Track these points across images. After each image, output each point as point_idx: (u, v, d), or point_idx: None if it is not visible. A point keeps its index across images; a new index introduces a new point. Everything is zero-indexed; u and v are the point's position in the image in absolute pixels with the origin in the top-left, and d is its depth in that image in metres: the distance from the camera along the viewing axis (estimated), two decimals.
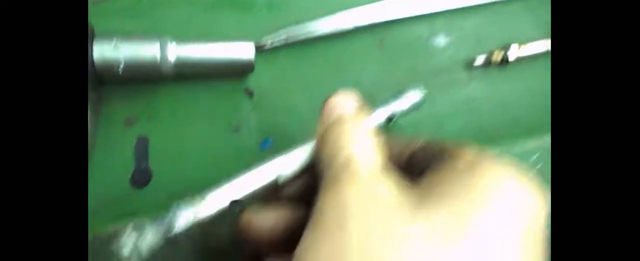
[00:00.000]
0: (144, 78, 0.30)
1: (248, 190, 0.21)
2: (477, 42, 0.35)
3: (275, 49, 0.33)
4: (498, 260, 0.16)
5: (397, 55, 0.34)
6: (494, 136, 0.33)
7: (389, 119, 0.25)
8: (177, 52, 0.29)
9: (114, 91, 0.31)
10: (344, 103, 0.22)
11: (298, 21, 0.33)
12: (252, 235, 0.22)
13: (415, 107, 0.26)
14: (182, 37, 0.31)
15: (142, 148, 0.31)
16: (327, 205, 0.18)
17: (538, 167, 0.32)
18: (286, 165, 0.22)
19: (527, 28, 0.35)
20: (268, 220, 0.22)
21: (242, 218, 0.22)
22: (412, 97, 0.26)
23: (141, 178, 0.30)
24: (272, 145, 0.32)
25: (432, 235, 0.16)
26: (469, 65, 0.34)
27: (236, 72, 0.31)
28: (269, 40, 0.32)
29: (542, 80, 0.34)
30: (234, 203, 0.21)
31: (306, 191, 0.22)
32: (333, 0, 0.34)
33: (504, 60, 0.34)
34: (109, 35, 0.28)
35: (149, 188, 0.30)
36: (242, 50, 0.30)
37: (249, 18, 0.33)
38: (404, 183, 0.18)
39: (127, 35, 0.29)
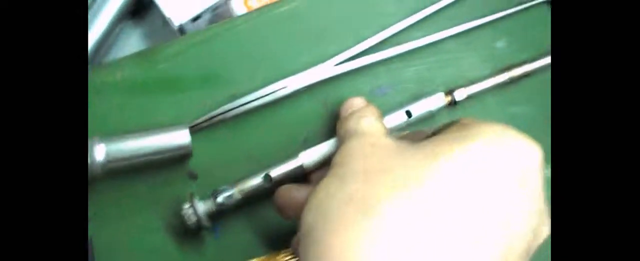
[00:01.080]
0: None
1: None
2: (421, 88, 0.34)
3: (214, 126, 0.32)
4: (482, 187, 0.18)
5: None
6: None
7: (408, 114, 0.32)
8: (107, 151, 0.28)
9: None
10: (357, 100, 0.29)
11: (234, 95, 0.32)
12: (286, 205, 0.27)
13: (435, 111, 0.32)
14: (115, 127, 0.30)
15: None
16: (337, 157, 0.22)
17: None
18: (311, 154, 0.29)
19: (471, 66, 0.34)
20: (299, 193, 0.26)
21: (279, 191, 0.27)
22: (435, 100, 0.32)
23: None
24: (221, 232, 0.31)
25: (424, 160, 0.18)
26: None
27: (175, 158, 0.30)
28: (205, 119, 0.31)
29: (491, 117, 0.34)
30: (266, 176, 0.29)
31: None
32: (267, 69, 0.32)
33: (452, 102, 0.33)
34: None
35: None
36: (177, 137, 0.29)
37: (183, 98, 0.32)
38: (405, 142, 0.21)
39: None
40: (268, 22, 0.33)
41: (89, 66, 0.38)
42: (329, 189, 0.20)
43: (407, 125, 0.32)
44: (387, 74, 0.34)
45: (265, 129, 0.32)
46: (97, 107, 0.31)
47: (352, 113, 0.26)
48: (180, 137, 0.29)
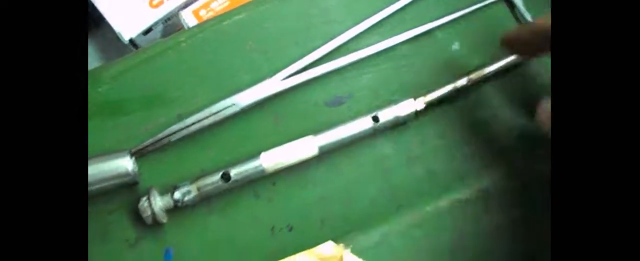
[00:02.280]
0: None
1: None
2: (376, 97, 0.33)
3: (161, 149, 0.30)
4: None
5: (295, 125, 0.32)
6: (409, 196, 0.31)
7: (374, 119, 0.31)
8: None
9: None
10: None
11: (180, 115, 0.31)
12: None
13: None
14: None
15: None
16: None
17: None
18: (273, 156, 0.30)
19: (427, 71, 0.33)
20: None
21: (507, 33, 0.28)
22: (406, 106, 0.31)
23: None
24: (175, 253, 0.30)
25: None
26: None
27: (117, 185, 0.29)
28: (150, 142, 0.30)
29: (454, 126, 0.33)
30: (224, 175, 0.29)
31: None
32: (213, 87, 0.31)
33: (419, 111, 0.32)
34: None
35: None
36: (119, 164, 0.28)
37: (127, 121, 0.31)
38: None
39: None
40: (212, 37, 0.32)
41: None
42: None
43: (374, 131, 0.31)
44: (342, 83, 0.33)
45: (216, 149, 0.31)
46: None
47: None
48: (122, 164, 0.28)
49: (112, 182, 0.28)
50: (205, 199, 0.29)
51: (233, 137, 0.31)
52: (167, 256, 0.30)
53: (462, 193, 0.31)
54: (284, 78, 0.31)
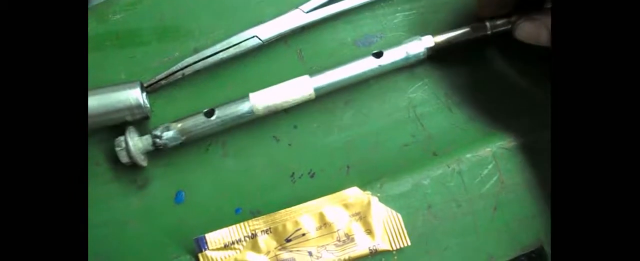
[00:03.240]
0: None
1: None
2: (412, 33, 0.29)
3: (176, 83, 0.28)
4: None
5: (320, 63, 0.29)
6: (446, 143, 0.28)
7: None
8: None
9: None
10: None
11: (196, 48, 0.28)
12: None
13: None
14: None
15: None
16: None
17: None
18: (262, 96, 0.27)
19: (466, 18, 0.30)
20: None
21: None
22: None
23: None
24: (186, 195, 0.28)
25: None
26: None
27: (127, 118, 0.27)
28: (164, 75, 0.28)
29: (493, 73, 0.29)
30: (209, 111, 0.26)
31: None
32: (232, 20, 0.29)
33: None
34: None
35: None
36: (128, 96, 0.26)
37: (140, 52, 0.28)
38: None
39: None
40: None
41: None
42: None
43: (381, 70, 0.28)
44: (373, 21, 0.30)
45: (233, 85, 0.28)
46: None
47: None
48: (132, 95, 0.26)
49: (121, 114, 0.26)
50: (191, 140, 0.27)
51: (252, 73, 0.29)
52: (178, 199, 0.28)
53: (506, 141, 0.28)
54: (309, 11, 0.28)
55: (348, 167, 0.28)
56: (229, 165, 0.28)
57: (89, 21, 0.28)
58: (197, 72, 0.28)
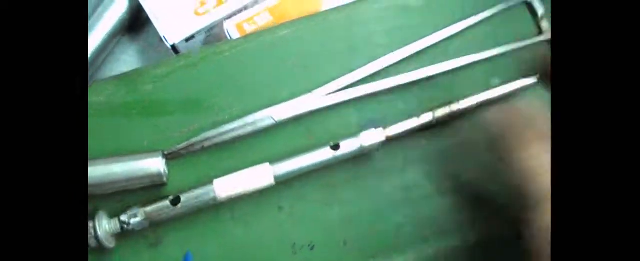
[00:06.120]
0: None
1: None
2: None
3: (195, 154, 0.31)
4: None
5: (326, 143, 0.32)
6: (438, 228, 0.31)
7: None
8: None
9: None
10: None
11: (216, 121, 0.31)
12: None
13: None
14: (91, 149, 0.29)
15: None
16: None
17: None
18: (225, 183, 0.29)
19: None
20: None
21: None
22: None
23: None
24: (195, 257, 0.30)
25: None
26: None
27: (146, 184, 0.29)
28: (185, 145, 0.30)
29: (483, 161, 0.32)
30: (176, 198, 0.28)
31: None
32: (252, 97, 0.32)
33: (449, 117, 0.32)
34: None
35: None
36: (150, 165, 0.28)
37: (164, 122, 0.31)
38: None
39: None
40: (254, 50, 0.32)
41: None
42: None
43: (336, 160, 0.30)
44: (377, 107, 0.33)
45: (246, 158, 0.31)
46: None
47: None
48: (153, 165, 0.28)
49: (142, 181, 0.28)
50: (155, 225, 0.28)
51: (265, 149, 0.31)
52: (186, 259, 0.30)
53: (498, 229, 0.30)
54: (326, 94, 0.31)
55: (345, 242, 0.30)
56: (237, 231, 0.30)
57: (120, 89, 0.31)
58: (215, 144, 0.31)
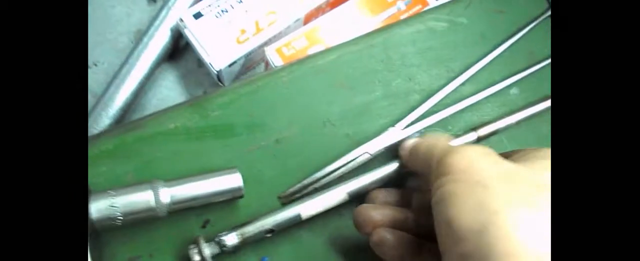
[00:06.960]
0: (141, 221, 0.31)
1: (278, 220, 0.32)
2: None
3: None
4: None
5: None
6: None
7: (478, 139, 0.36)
8: (170, 193, 0.31)
9: (113, 236, 0.32)
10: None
11: (278, 140, 0.35)
12: (364, 223, 0.31)
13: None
14: (172, 171, 0.33)
15: None
16: (455, 167, 0.25)
17: None
18: (312, 206, 0.32)
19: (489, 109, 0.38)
20: (375, 213, 0.31)
21: (358, 209, 0.31)
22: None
23: None
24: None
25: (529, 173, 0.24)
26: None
27: (227, 198, 0.33)
28: (298, 188, 0.34)
29: None
30: (270, 230, 0.32)
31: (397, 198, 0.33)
32: (305, 117, 0.36)
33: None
34: (104, 192, 0.30)
35: None
36: (232, 180, 0.32)
37: (232, 142, 0.35)
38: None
39: (121, 187, 0.30)
40: (307, 73, 0.37)
41: (138, 117, 0.40)
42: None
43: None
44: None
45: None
46: (152, 155, 0.34)
47: (431, 144, 0.29)
48: (234, 180, 0.32)
49: (225, 196, 0.32)
50: (248, 244, 0.32)
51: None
52: None
53: None
54: (403, 128, 0.36)
55: None
56: (305, 235, 0.34)
57: (193, 116, 0.35)
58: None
